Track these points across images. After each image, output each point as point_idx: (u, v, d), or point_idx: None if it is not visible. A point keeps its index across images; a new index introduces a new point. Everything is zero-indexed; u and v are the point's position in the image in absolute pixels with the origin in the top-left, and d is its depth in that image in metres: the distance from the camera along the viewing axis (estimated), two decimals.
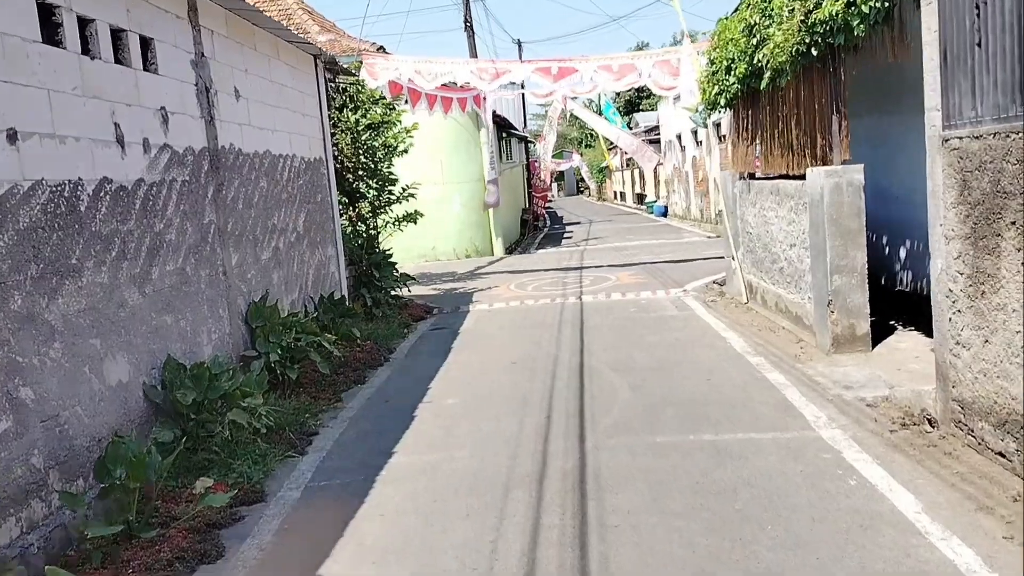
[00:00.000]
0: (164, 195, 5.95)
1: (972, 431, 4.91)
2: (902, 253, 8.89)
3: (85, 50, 5.12)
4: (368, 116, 12.46)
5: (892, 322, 8.20)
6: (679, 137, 29.22)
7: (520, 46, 38.43)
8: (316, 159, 9.95)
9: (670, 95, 20.06)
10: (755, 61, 8.58)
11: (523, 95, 30.62)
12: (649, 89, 20.36)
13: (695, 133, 26.24)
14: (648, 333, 9.21)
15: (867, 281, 7.39)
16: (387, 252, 11.90)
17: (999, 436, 4.57)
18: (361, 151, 11.90)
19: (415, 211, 12.41)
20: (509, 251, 22.33)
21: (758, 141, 9.78)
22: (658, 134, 34.85)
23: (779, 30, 7.50)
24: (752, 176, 10.33)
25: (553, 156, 51.44)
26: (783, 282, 9.01)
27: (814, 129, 7.80)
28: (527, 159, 34.27)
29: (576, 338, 9.21)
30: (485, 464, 5.40)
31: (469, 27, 19.77)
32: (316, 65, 10.24)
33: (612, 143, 43.26)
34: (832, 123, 7.41)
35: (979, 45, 4.40)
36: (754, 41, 8.37)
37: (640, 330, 9.41)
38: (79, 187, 4.89)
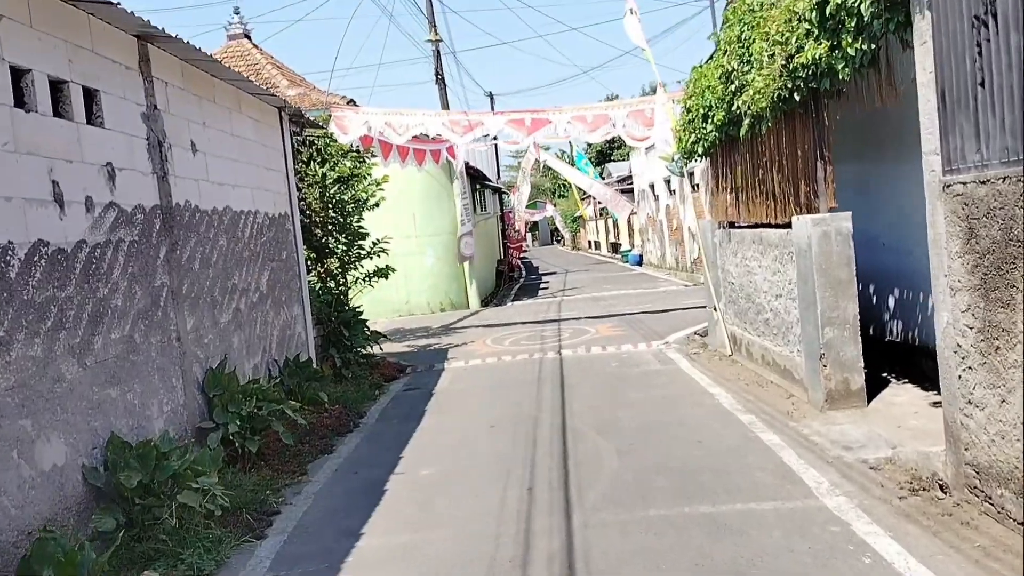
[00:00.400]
0: (110, 257, 5.49)
1: (990, 498, 4.52)
2: (891, 302, 8.61)
3: (19, 103, 4.71)
4: (337, 169, 12.13)
5: (885, 374, 7.86)
6: (652, 186, 29.25)
7: (492, 98, 38.60)
8: (281, 214, 9.54)
9: (643, 145, 19.93)
10: (734, 108, 8.37)
11: (495, 145, 30.77)
12: (622, 140, 20.49)
13: (668, 182, 26.26)
14: (632, 390, 8.80)
15: (860, 333, 7.07)
16: (357, 310, 11.45)
17: (1022, 504, 4.19)
18: (330, 205, 11.52)
19: (387, 266, 12.00)
20: (485, 303, 21.93)
21: (738, 189, 9.55)
22: (631, 183, 34.97)
23: (759, 75, 7.28)
24: (732, 225, 10.08)
25: (527, 206, 51.61)
26: (769, 334, 8.68)
27: (797, 176, 7.55)
28: (501, 210, 34.14)
29: (557, 397, 8.78)
30: (463, 547, 4.90)
31: (440, 80, 19.66)
32: (281, 118, 9.90)
33: (585, 193, 43.48)
34: (817, 170, 7.16)
35: (982, 85, 4.13)
36: (732, 88, 8.17)
37: (623, 387, 9.00)
38: (8, 251, 4.43)
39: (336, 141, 12.59)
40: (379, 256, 12.08)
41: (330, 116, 12.90)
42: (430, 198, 20.33)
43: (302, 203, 11.29)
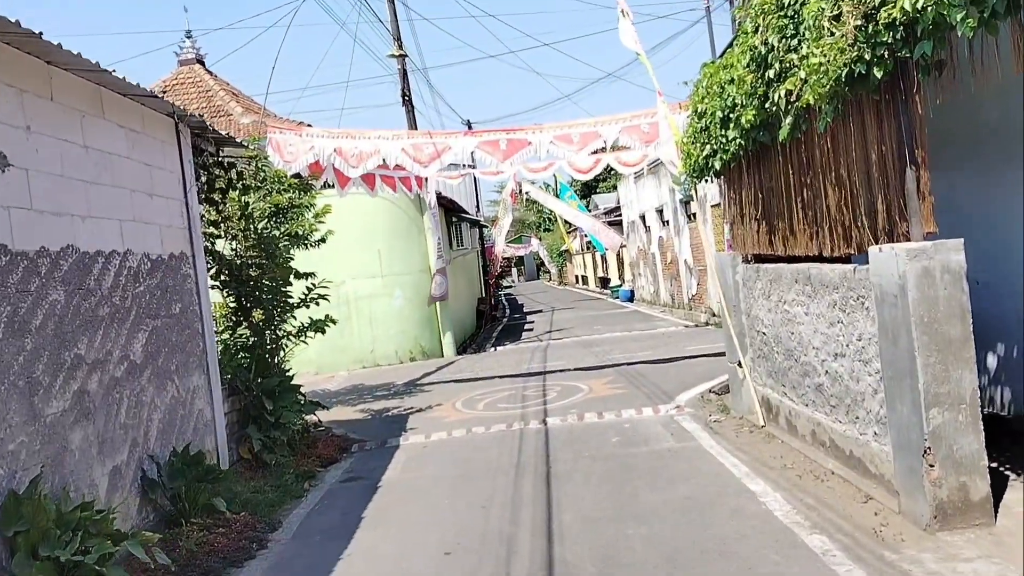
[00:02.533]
0: None
1: None
2: (992, 361, 6.41)
3: None
4: (270, 199, 9.88)
5: (997, 464, 5.61)
6: (643, 217, 27.17)
7: (470, 127, 36.32)
8: (174, 255, 7.25)
9: (635, 171, 17.80)
10: (769, 104, 6.22)
11: (475, 177, 28.65)
12: (611, 169, 18.36)
13: (660, 212, 24.17)
14: (644, 486, 6.48)
15: (981, 416, 4.83)
16: (287, 373, 9.13)
17: None
18: (261, 243, 9.25)
19: (326, 317, 9.69)
20: (462, 349, 19.61)
21: (771, 213, 7.37)
22: (619, 215, 32.91)
23: (816, 48, 5.11)
24: (762, 259, 7.89)
25: (511, 241, 49.37)
26: (824, 404, 6.43)
27: (871, 190, 5.36)
28: (482, 245, 31.97)
29: (541, 498, 6.45)
30: None
31: (408, 101, 17.54)
32: (178, 131, 7.66)
33: (572, 225, 41.40)
34: (905, 179, 4.96)
35: None
36: (769, 74, 6.00)
37: (631, 480, 6.69)
38: None
39: (268, 164, 10.38)
40: (317, 303, 9.77)
41: (256, 139, 10.69)
42: (398, 233, 18.10)
43: (220, 240, 9.02)
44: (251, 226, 9.27)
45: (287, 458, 8.32)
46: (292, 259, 9.94)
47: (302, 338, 9.54)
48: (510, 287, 66.77)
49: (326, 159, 11.89)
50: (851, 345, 5.79)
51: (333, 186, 14.42)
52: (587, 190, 51.26)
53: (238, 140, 8.92)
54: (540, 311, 31.18)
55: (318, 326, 9.51)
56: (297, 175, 11.52)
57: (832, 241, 6.07)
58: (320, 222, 10.72)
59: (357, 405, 12.10)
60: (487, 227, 34.45)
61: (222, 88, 22.85)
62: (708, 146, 7.95)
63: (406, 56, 16.96)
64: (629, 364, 13.06)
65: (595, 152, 12.70)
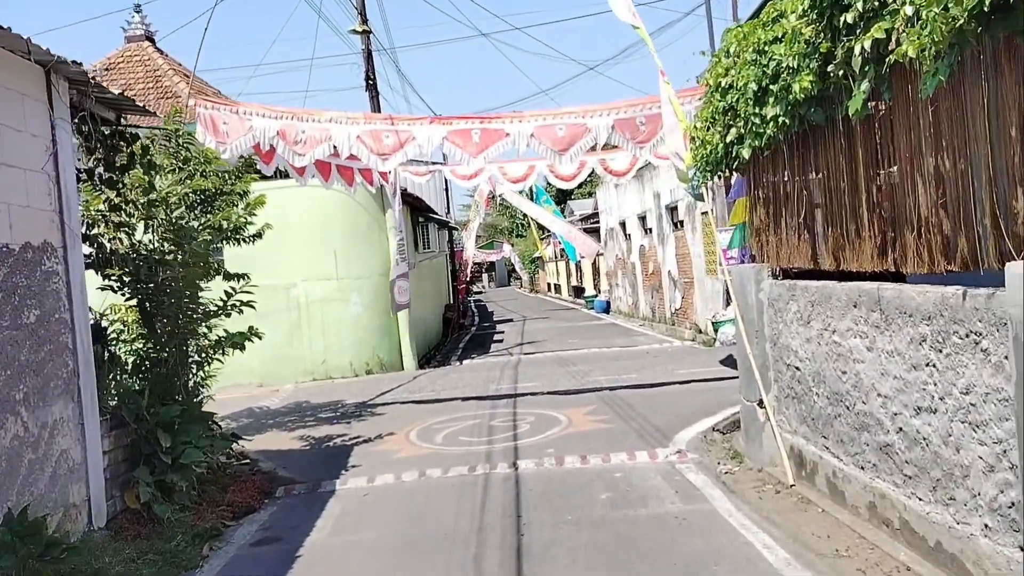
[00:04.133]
0: None
1: None
2: None
3: None
4: (190, 183, 8.08)
5: None
6: (623, 224, 25.62)
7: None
8: (32, 246, 5.44)
9: (623, 180, 16.13)
10: (835, 65, 4.60)
11: (446, 178, 26.85)
12: (594, 175, 16.72)
13: (643, 219, 22.60)
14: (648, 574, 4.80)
15: None
16: (197, 398, 7.33)
17: None
18: (168, 235, 7.44)
19: (249, 329, 7.88)
20: (425, 361, 17.85)
21: (815, 214, 5.76)
22: (596, 222, 31.34)
23: None
24: (798, 274, 6.27)
25: (482, 247, 47.62)
26: (893, 472, 4.80)
27: (1000, 182, 3.74)
28: (451, 248, 30.21)
29: None
30: None
31: (372, 86, 15.74)
32: (50, 85, 5.84)
33: (545, 231, 39.77)
34: None
35: None
36: (846, 18, 4.35)
37: (632, 565, 4.99)
38: None
39: (193, 141, 8.59)
40: (240, 311, 7.95)
41: (179, 111, 8.88)
42: (357, 232, 16.28)
43: (116, 229, 7.20)
44: (162, 214, 7.46)
45: (188, 508, 6.52)
46: (212, 256, 8.18)
47: (217, 355, 7.71)
48: (480, 293, 65.05)
49: (267, 142, 10.09)
50: (949, 399, 4.16)
51: (287, 174, 12.69)
52: (563, 195, 49.77)
53: (144, 107, 7.09)
54: (511, 320, 29.49)
55: (235, 341, 7.68)
56: (249, 162, 9.74)
57: (918, 254, 4.45)
58: (251, 214, 8.92)
59: (296, 430, 10.28)
60: (457, 229, 32.71)
61: (172, 68, 20.87)
62: (734, 129, 6.31)
63: (370, 32, 15.15)
64: (612, 389, 11.39)
65: (584, 151, 11.02)
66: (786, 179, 6.16)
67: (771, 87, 5.49)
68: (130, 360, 7.28)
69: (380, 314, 16.25)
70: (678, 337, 18.46)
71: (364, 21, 14.95)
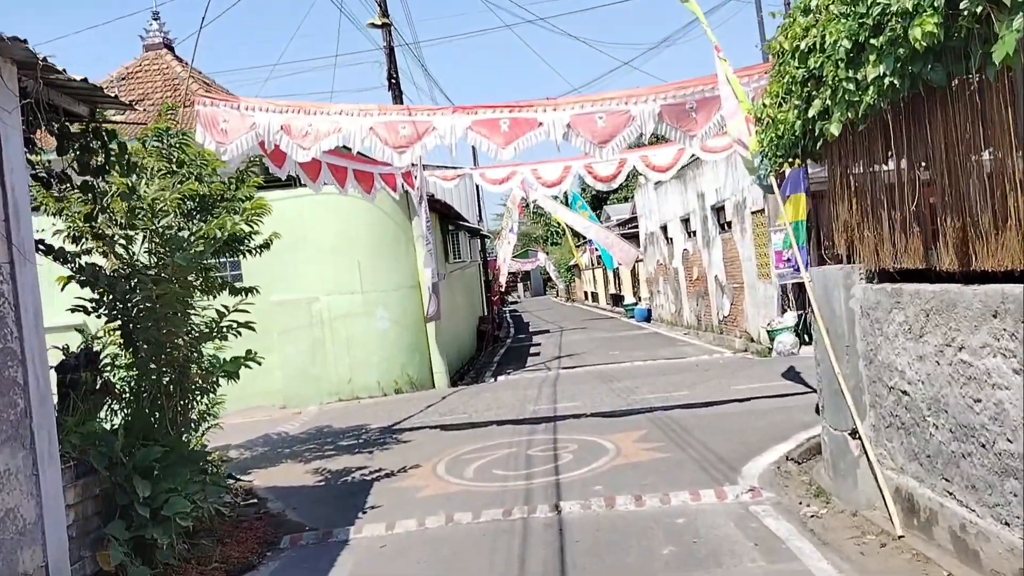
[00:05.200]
0: None
1: None
2: None
3: None
4: (182, 188, 7.14)
5: None
6: (664, 228, 24.40)
7: None
8: None
9: (666, 176, 14.82)
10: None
11: (477, 185, 25.85)
12: (636, 175, 15.52)
13: (686, 221, 21.37)
14: None
15: None
16: (189, 433, 6.34)
17: None
18: (154, 247, 6.49)
19: (247, 354, 6.81)
20: (459, 377, 16.82)
21: (922, 200, 4.60)
22: (634, 227, 30.13)
23: None
24: (904, 276, 5.09)
25: (517, 256, 46.57)
26: None
27: None
28: (484, 257, 29.20)
29: None
30: None
31: (395, 85, 14.80)
32: None
33: (581, 238, 38.58)
34: None
35: None
36: None
37: None
38: None
39: (187, 141, 7.66)
40: (238, 334, 6.92)
41: (172, 108, 7.98)
42: (382, 241, 15.32)
43: (93, 242, 6.27)
44: (146, 223, 6.52)
45: (173, 567, 5.52)
46: (214, 271, 7.23)
47: (207, 384, 6.69)
48: (516, 303, 64.02)
49: (271, 140, 9.16)
50: None
51: (299, 181, 11.79)
52: (598, 200, 48.65)
53: (118, 97, 6.13)
54: (547, 331, 28.37)
55: (227, 370, 6.64)
56: (252, 164, 8.79)
57: None
58: (250, 223, 7.92)
59: (312, 461, 9.28)
60: (489, 237, 31.71)
61: (192, 75, 20.20)
62: (817, 101, 5.17)
63: (391, 26, 14.22)
64: (664, 409, 10.23)
65: (627, 144, 9.89)
66: (885, 160, 4.99)
67: (872, 41, 4.34)
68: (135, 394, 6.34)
69: (408, 329, 15.26)
70: (728, 347, 17.20)
71: (384, 14, 14.01)
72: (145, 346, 6.17)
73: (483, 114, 9.55)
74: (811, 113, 5.26)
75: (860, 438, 5.61)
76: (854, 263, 5.64)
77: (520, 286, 77.66)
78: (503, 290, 33.89)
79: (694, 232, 20.74)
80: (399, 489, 7.62)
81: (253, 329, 6.71)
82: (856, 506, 5.70)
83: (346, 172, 11.98)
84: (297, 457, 9.61)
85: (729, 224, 17.73)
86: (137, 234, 6.48)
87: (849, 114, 4.84)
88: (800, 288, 14.68)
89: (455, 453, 8.86)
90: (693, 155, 12.07)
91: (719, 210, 18.43)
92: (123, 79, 19.29)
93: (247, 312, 6.70)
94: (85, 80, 5.42)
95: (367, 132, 9.35)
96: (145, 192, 6.60)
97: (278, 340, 14.80)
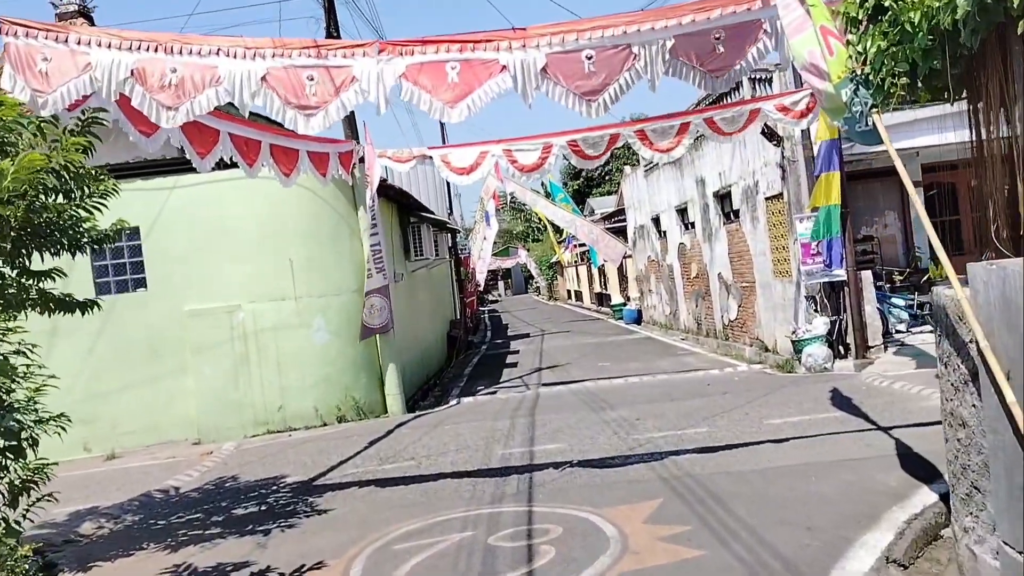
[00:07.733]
0: None
1: None
2: None
3: None
4: None
5: None
6: (656, 220, 21.72)
7: (443, 126, 30.28)
8: None
9: (669, 157, 11.21)
10: None
11: (446, 180, 22.99)
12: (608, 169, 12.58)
13: (683, 212, 18.67)
14: None
15: None
16: None
17: None
18: None
19: (60, 416, 3.95)
20: (420, 397, 14.04)
21: None
22: (621, 220, 27.45)
23: None
24: None
25: (497, 253, 43.77)
26: None
27: None
28: (456, 255, 26.40)
29: None
30: None
31: (334, 37, 12.04)
32: None
33: (563, 233, 35.87)
34: None
35: None
36: None
37: None
38: None
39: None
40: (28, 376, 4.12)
41: None
42: (320, 236, 12.50)
43: None
44: None
45: None
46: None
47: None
48: (496, 302, 61.28)
49: (113, 88, 6.32)
50: None
51: (234, 164, 8.90)
52: (581, 193, 45.95)
53: None
54: (527, 336, 25.64)
55: (16, 452, 3.80)
56: (88, 122, 5.96)
57: None
58: (86, 208, 5.19)
59: (181, 548, 6.46)
60: (460, 231, 28.91)
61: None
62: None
63: None
64: (677, 454, 7.53)
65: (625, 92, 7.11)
66: None
67: None
68: None
69: (353, 343, 12.45)
70: (737, 356, 14.55)
71: None
72: None
73: (422, 54, 6.77)
74: (946, 17, 2.55)
75: None
76: None
77: (501, 284, 74.96)
78: (480, 290, 31.11)
79: (692, 223, 18.08)
80: None
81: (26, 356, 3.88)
82: None
83: (258, 147, 9.10)
84: (167, 538, 6.79)
85: (736, 213, 15.07)
86: None
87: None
88: (832, 288, 12.07)
89: (384, 539, 6.07)
90: (700, 133, 9.10)
91: (723, 197, 15.76)
92: None
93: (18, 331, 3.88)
94: None
95: (258, 84, 6.55)
96: None
97: (192, 360, 11.98)
